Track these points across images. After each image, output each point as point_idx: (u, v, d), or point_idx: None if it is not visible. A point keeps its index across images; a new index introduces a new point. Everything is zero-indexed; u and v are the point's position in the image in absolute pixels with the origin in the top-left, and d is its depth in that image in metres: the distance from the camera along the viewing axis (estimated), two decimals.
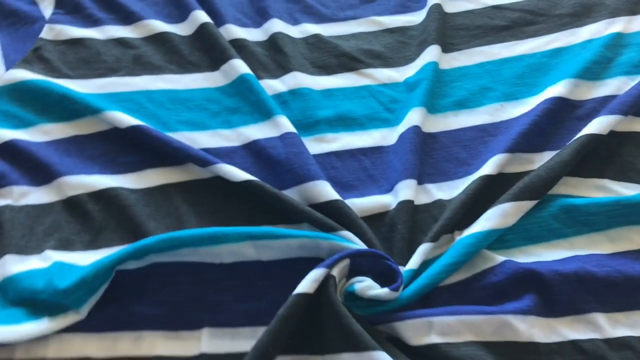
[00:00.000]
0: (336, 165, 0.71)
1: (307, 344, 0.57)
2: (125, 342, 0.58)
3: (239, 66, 0.79)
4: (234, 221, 0.65)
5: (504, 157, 0.68)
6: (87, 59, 0.83)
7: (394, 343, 0.56)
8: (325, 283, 0.56)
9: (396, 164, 0.69)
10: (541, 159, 0.68)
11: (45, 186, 0.70)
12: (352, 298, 0.58)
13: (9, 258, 0.63)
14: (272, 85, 0.79)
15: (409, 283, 0.59)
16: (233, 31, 0.85)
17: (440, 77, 0.79)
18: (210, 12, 0.87)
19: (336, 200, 0.64)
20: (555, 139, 0.70)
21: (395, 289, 0.56)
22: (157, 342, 0.58)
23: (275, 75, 0.80)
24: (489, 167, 0.67)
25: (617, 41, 0.79)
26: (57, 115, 0.76)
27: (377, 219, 0.65)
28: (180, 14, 0.88)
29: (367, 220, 0.64)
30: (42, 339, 0.58)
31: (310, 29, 0.87)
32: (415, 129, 0.71)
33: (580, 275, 0.58)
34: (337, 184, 0.68)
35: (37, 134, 0.74)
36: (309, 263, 0.58)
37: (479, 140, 0.72)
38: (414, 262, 0.60)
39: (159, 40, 0.85)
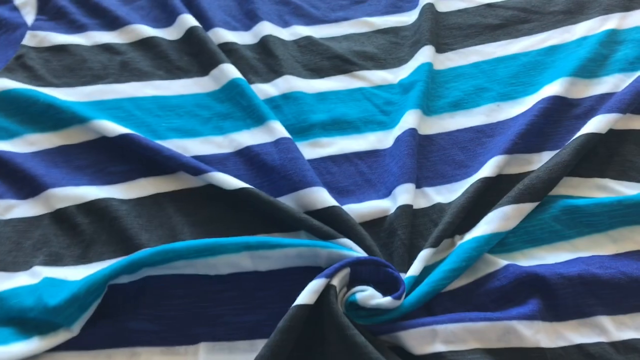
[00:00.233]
0: (332, 170, 0.70)
1: (309, 357, 0.55)
2: (119, 359, 0.57)
3: (230, 70, 0.78)
4: (229, 231, 0.64)
5: (502, 158, 0.67)
6: (72, 66, 0.81)
7: (397, 353, 0.55)
8: (326, 293, 0.55)
9: (393, 167, 0.68)
10: (540, 160, 0.68)
11: (32, 199, 0.68)
12: (354, 308, 0.57)
13: None
14: (264, 90, 0.78)
15: (411, 290, 0.58)
16: (222, 35, 0.84)
17: (435, 78, 0.79)
18: (197, 15, 0.86)
19: (333, 207, 0.63)
20: (553, 138, 0.70)
21: (398, 297, 0.55)
22: (152, 358, 0.57)
23: (267, 79, 0.80)
24: (488, 169, 0.66)
25: (612, 38, 0.79)
26: (43, 125, 0.74)
27: (375, 224, 0.65)
28: (167, 18, 0.87)
29: (365, 226, 0.64)
30: (32, 358, 0.56)
31: (301, 31, 0.86)
32: (412, 132, 0.70)
33: (584, 278, 0.58)
34: (333, 190, 0.68)
35: (22, 145, 0.73)
36: (308, 273, 0.58)
37: (476, 141, 0.72)
38: (415, 269, 0.59)
39: (146, 45, 0.84)
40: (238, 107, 0.75)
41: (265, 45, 0.83)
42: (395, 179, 0.67)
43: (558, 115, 0.72)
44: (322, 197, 0.64)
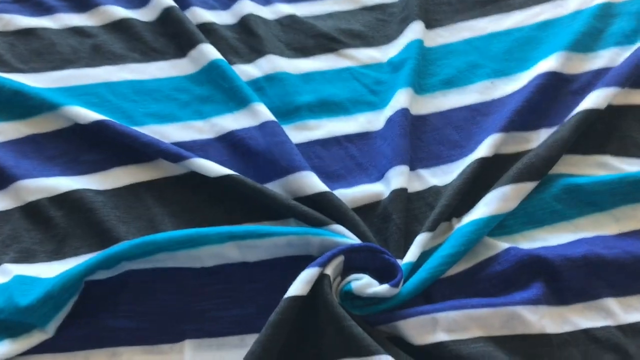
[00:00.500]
0: (321, 154, 0.68)
1: (303, 351, 0.53)
2: None
3: (209, 52, 0.75)
4: (213, 220, 0.61)
5: (498, 137, 0.65)
6: (40, 51, 0.78)
7: (396, 343, 0.54)
8: (319, 283, 0.53)
9: (385, 149, 0.67)
10: (538, 138, 0.67)
11: (0, 192, 0.65)
12: (349, 297, 0.55)
13: None
14: (246, 71, 0.76)
15: (408, 277, 0.57)
16: (200, 14, 0.81)
17: (426, 55, 0.77)
18: None
19: (324, 192, 0.62)
20: (550, 115, 0.69)
21: (396, 285, 0.54)
22: (134, 358, 0.55)
23: (249, 60, 0.77)
24: (484, 149, 0.65)
25: (606, 11, 0.77)
26: (10, 113, 0.71)
27: (369, 209, 0.63)
28: None
29: (358, 211, 0.62)
30: None
31: (283, 9, 0.83)
32: (404, 112, 0.69)
33: (589, 259, 0.57)
34: (323, 175, 0.66)
35: None
36: (299, 262, 0.56)
37: (471, 120, 0.70)
38: (412, 254, 0.58)
39: (119, 27, 0.81)
40: (219, 90, 0.73)
41: (246, 24, 0.80)
42: (388, 162, 0.65)
43: (554, 92, 0.70)
44: (312, 182, 0.62)
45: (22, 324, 0.54)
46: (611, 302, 0.56)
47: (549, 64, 0.71)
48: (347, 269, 0.56)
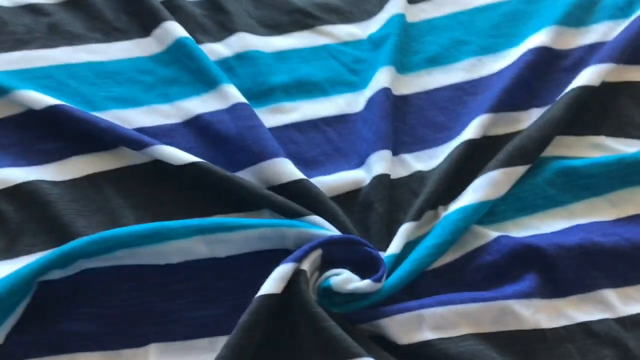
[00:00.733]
0: (297, 139, 0.66)
1: (278, 355, 0.51)
2: None
3: (174, 29, 0.72)
4: (180, 213, 0.59)
5: (487, 117, 0.64)
6: None
7: (379, 343, 0.51)
8: (295, 280, 0.51)
9: (366, 133, 0.65)
10: (529, 118, 0.66)
11: None
12: (328, 294, 0.53)
13: None
14: (215, 50, 0.73)
15: (392, 270, 0.55)
16: None
17: (409, 31, 0.75)
18: None
19: (300, 180, 0.60)
20: (541, 94, 0.68)
21: (378, 280, 0.51)
22: None
23: (218, 38, 0.75)
24: (472, 131, 0.63)
25: None
26: None
27: (349, 198, 0.61)
28: None
29: (337, 200, 0.60)
30: None
31: None
32: (385, 92, 0.67)
33: (585, 247, 0.55)
34: (299, 161, 0.64)
35: None
36: (274, 257, 0.54)
37: (457, 100, 0.69)
38: (395, 246, 0.56)
39: (78, 5, 0.78)
40: (185, 71, 0.70)
41: (214, 0, 0.78)
42: (369, 146, 0.63)
43: (545, 68, 0.69)
44: (287, 169, 0.60)
45: None
46: (609, 294, 0.55)
47: (539, 39, 0.70)
48: (326, 263, 0.54)
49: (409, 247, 0.56)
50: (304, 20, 0.76)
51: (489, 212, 0.59)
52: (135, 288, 0.55)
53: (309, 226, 0.55)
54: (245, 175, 0.61)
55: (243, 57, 0.72)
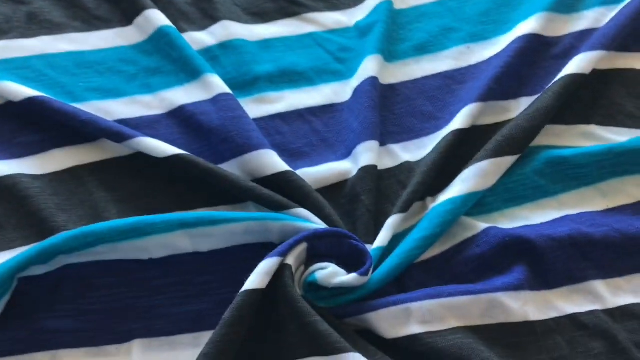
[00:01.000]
0: (282, 130, 0.65)
1: (263, 351, 0.50)
2: None
3: (157, 18, 0.71)
4: (163, 207, 0.58)
5: (476, 107, 0.63)
6: None
7: (366, 338, 0.51)
8: (280, 275, 0.50)
9: (353, 123, 0.64)
10: (518, 107, 0.65)
11: None
12: (314, 289, 0.52)
13: None
14: (198, 39, 0.72)
15: (379, 264, 0.54)
16: None
17: (396, 18, 0.74)
18: None
19: (285, 172, 0.59)
20: (531, 82, 0.67)
21: (364, 273, 0.51)
22: None
23: (201, 27, 0.74)
24: (460, 120, 0.62)
25: None
26: None
27: (335, 190, 0.60)
28: None
29: (323, 192, 0.59)
30: None
31: None
32: (372, 81, 0.66)
33: (574, 239, 0.54)
34: (284, 152, 0.63)
35: None
36: (259, 250, 0.53)
37: (445, 89, 0.68)
38: (382, 239, 0.55)
39: None
40: (168, 60, 0.69)
41: None
42: (356, 137, 0.62)
43: (535, 56, 0.68)
44: (272, 161, 0.59)
45: None
46: (598, 285, 0.54)
47: (528, 25, 0.69)
48: (311, 257, 0.54)
49: (396, 239, 0.56)
50: (289, 8, 0.75)
51: (477, 203, 0.58)
52: (117, 284, 0.54)
53: (294, 219, 0.54)
54: (230, 167, 0.60)
55: (227, 46, 0.71)
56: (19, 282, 0.52)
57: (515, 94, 0.66)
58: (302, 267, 0.53)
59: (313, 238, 0.52)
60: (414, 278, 0.55)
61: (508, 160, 0.59)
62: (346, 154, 0.62)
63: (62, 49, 0.71)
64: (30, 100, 0.63)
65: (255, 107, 0.66)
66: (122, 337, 0.52)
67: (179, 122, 0.64)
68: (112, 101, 0.66)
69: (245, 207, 0.59)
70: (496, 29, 0.72)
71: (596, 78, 0.65)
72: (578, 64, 0.64)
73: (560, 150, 0.60)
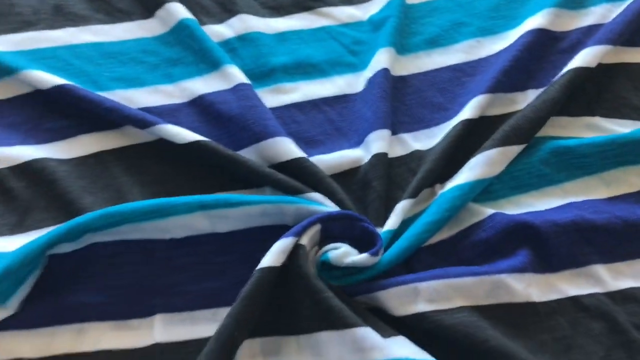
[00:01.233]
0: (298, 119, 0.66)
1: (278, 325, 0.52)
2: (64, 338, 0.53)
3: (178, 11, 0.72)
4: (184, 190, 0.59)
5: (484, 98, 0.63)
6: None
7: (376, 315, 0.52)
8: (295, 254, 0.51)
9: (366, 113, 0.64)
10: (525, 99, 0.65)
11: None
12: (326, 268, 0.53)
13: None
14: (218, 31, 0.73)
15: (389, 246, 0.55)
16: None
17: (409, 13, 0.74)
18: None
19: (300, 158, 0.59)
20: (538, 75, 0.67)
21: (375, 254, 0.52)
22: (102, 334, 0.53)
23: (220, 20, 0.74)
24: (469, 111, 0.62)
25: None
26: None
27: (348, 176, 0.61)
28: None
29: (336, 178, 0.60)
30: None
31: None
32: (385, 73, 0.66)
33: (578, 224, 0.55)
34: (299, 140, 0.63)
35: None
36: (274, 232, 0.54)
37: (455, 81, 0.68)
38: (392, 222, 0.56)
39: None
40: (189, 52, 0.70)
41: None
42: (368, 125, 0.63)
43: (543, 50, 0.68)
44: (287, 148, 0.60)
45: None
46: (600, 269, 0.55)
47: (536, 21, 0.69)
48: (325, 238, 0.54)
49: (405, 224, 0.56)
50: (305, 2, 0.75)
51: (484, 190, 0.58)
52: (140, 261, 0.55)
53: (309, 202, 0.55)
54: (247, 153, 0.61)
55: (245, 39, 0.71)
56: (48, 259, 0.54)
57: (522, 87, 0.66)
58: (316, 247, 0.54)
59: (327, 220, 0.53)
60: (422, 261, 0.55)
61: (514, 150, 0.59)
62: (359, 142, 0.63)
63: (86, 40, 0.72)
64: (58, 88, 0.64)
65: (272, 97, 0.66)
66: (145, 311, 0.53)
67: (199, 111, 0.65)
68: (135, 90, 0.67)
69: (262, 191, 0.59)
70: (505, 23, 0.71)
71: (602, 72, 0.65)
72: (584, 57, 0.64)
73: (565, 141, 0.60)
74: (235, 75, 0.65)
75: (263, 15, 0.74)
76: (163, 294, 0.54)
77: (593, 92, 0.65)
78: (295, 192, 0.57)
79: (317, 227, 0.53)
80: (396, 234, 0.55)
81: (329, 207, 0.56)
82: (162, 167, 0.62)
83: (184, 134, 0.60)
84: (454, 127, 0.61)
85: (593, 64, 0.64)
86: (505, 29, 0.71)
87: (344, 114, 0.66)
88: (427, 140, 0.64)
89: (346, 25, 0.74)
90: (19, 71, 0.66)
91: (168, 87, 0.68)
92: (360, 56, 0.70)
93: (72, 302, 0.54)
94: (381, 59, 0.67)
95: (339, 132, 0.65)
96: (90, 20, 0.73)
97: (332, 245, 0.53)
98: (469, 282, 0.52)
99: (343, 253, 0.52)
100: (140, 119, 0.62)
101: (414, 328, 0.51)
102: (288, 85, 0.68)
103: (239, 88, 0.64)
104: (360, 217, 0.54)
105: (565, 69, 0.64)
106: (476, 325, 0.49)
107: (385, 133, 0.62)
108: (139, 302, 0.54)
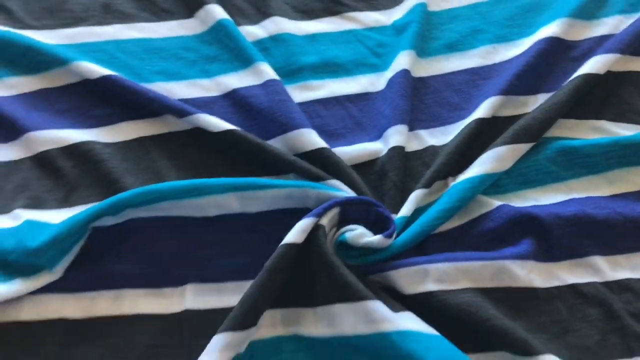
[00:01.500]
0: (322, 114, 0.69)
1: (298, 297, 0.55)
2: (104, 302, 0.56)
3: (216, 12, 0.75)
4: (216, 174, 0.61)
5: (497, 99, 0.65)
6: (52, 8, 0.78)
7: (388, 293, 0.55)
8: (315, 233, 0.54)
9: (385, 109, 0.67)
10: (536, 102, 0.67)
11: (12, 142, 0.67)
12: (343, 248, 0.56)
13: None
14: (252, 32, 0.76)
15: (402, 231, 0.57)
16: None
17: (430, 19, 0.76)
18: None
19: (323, 149, 0.62)
20: (549, 80, 0.69)
21: (389, 236, 0.55)
22: (138, 300, 0.56)
23: (255, 21, 0.77)
24: (483, 111, 0.65)
25: None
26: (23, 67, 0.72)
27: (366, 167, 0.63)
28: None
29: (356, 168, 0.63)
30: (15, 300, 0.55)
31: None
32: (405, 73, 0.69)
33: (579, 218, 0.57)
34: (323, 133, 0.66)
35: (2, 89, 0.71)
36: (297, 214, 0.56)
37: (471, 83, 0.70)
38: (406, 209, 0.58)
39: None
40: (225, 50, 0.73)
41: None
42: (387, 121, 0.65)
43: (555, 57, 0.70)
44: (311, 138, 0.63)
45: (32, 265, 0.56)
46: (599, 260, 0.57)
47: (550, 30, 0.71)
48: (343, 221, 0.57)
49: (418, 212, 0.58)
50: (333, 7, 0.78)
51: (494, 184, 0.61)
52: (175, 236, 0.58)
53: (329, 188, 0.58)
54: (275, 143, 0.64)
55: (277, 39, 0.74)
56: (91, 231, 0.57)
57: (534, 90, 0.67)
58: (335, 229, 0.57)
59: (345, 204, 0.56)
60: (433, 246, 0.57)
61: (523, 147, 0.61)
62: (378, 136, 0.65)
63: (132, 36, 0.75)
64: (104, 79, 0.68)
65: (299, 93, 0.69)
66: (177, 281, 0.57)
67: (232, 103, 0.68)
68: (174, 83, 0.70)
69: (287, 177, 0.62)
70: (521, 32, 0.73)
71: (610, 78, 0.67)
72: (593, 64, 0.66)
73: (571, 141, 0.62)
74: (267, 71, 0.68)
75: (294, 18, 0.77)
76: (195, 266, 0.57)
77: (600, 97, 0.67)
78: (317, 179, 0.59)
79: (336, 210, 0.56)
80: (409, 220, 0.58)
81: (348, 193, 0.58)
82: (197, 153, 0.65)
83: (218, 124, 0.63)
84: (468, 125, 0.63)
85: (602, 71, 0.66)
86: (520, 36, 0.73)
87: (365, 110, 0.68)
88: (442, 136, 0.66)
89: (371, 29, 0.76)
90: (70, 62, 0.69)
91: (205, 82, 0.71)
92: (383, 58, 0.73)
93: (111, 271, 0.57)
94: (402, 60, 0.69)
95: (359, 126, 0.67)
96: (136, 18, 0.77)
97: (349, 226, 0.56)
98: (475, 265, 0.54)
99: (359, 234, 0.55)
100: (178, 109, 0.65)
101: (422, 306, 0.53)
102: (315, 82, 0.71)
103: (269, 84, 0.67)
104: (376, 203, 0.57)
105: (574, 75, 0.66)
106: (479, 305, 0.52)
107: (402, 128, 0.64)
108: (172, 273, 0.57)
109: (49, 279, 0.56)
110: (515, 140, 0.61)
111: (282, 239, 0.54)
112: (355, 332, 0.51)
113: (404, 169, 0.63)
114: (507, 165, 0.61)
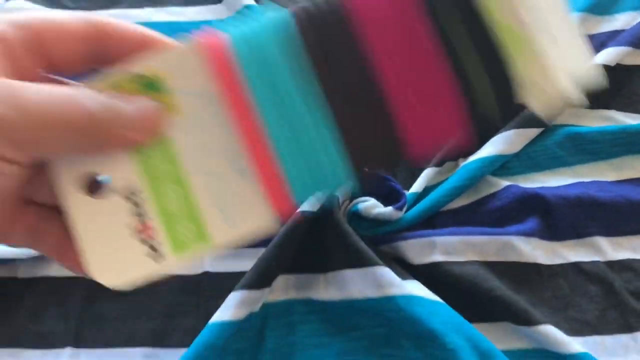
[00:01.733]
0: None
1: (311, 264, 0.57)
2: None
3: None
4: None
5: None
6: None
7: (397, 264, 0.57)
8: (329, 203, 0.56)
9: None
10: None
11: None
12: (356, 218, 0.58)
13: None
14: None
15: (413, 206, 0.59)
16: None
17: None
18: None
19: None
20: None
21: (400, 208, 0.57)
22: None
23: (282, 6, 0.79)
24: None
25: None
26: None
27: None
28: None
29: None
30: (44, 258, 0.57)
31: None
32: None
33: (583, 200, 0.59)
34: None
35: None
36: None
37: None
38: (417, 186, 0.60)
39: None
40: None
41: None
42: None
43: None
44: None
45: None
46: (602, 241, 0.58)
47: None
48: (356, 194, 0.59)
49: (429, 190, 0.60)
50: None
51: (503, 167, 0.62)
52: None
53: None
54: None
55: None
56: None
57: None
58: (347, 200, 0.59)
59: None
60: (442, 223, 0.59)
61: (533, 132, 0.63)
62: None
63: (162, 19, 0.78)
64: None
65: None
66: None
67: None
68: None
69: None
70: None
71: (620, 70, 0.68)
72: (604, 56, 0.67)
73: (579, 127, 0.64)
74: None
75: None
76: None
77: (611, 89, 0.68)
78: None
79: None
80: (420, 196, 0.60)
81: None
82: None
83: None
84: None
85: (612, 63, 0.67)
86: None
87: None
88: None
89: None
90: None
91: None
92: None
93: None
94: None
95: None
96: (167, 3, 0.80)
97: (362, 198, 0.58)
98: (481, 240, 0.56)
99: (371, 205, 0.57)
100: None
101: (429, 276, 0.55)
102: None
103: None
104: (387, 177, 0.59)
105: None
106: (483, 277, 0.54)
107: None
108: None
109: None
110: (525, 124, 0.63)
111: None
112: (364, 295, 0.53)
113: None
114: (517, 148, 0.62)
